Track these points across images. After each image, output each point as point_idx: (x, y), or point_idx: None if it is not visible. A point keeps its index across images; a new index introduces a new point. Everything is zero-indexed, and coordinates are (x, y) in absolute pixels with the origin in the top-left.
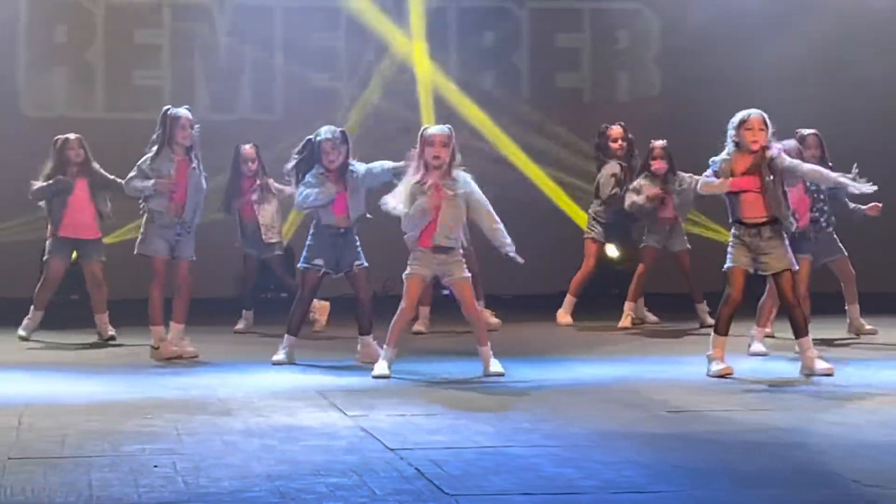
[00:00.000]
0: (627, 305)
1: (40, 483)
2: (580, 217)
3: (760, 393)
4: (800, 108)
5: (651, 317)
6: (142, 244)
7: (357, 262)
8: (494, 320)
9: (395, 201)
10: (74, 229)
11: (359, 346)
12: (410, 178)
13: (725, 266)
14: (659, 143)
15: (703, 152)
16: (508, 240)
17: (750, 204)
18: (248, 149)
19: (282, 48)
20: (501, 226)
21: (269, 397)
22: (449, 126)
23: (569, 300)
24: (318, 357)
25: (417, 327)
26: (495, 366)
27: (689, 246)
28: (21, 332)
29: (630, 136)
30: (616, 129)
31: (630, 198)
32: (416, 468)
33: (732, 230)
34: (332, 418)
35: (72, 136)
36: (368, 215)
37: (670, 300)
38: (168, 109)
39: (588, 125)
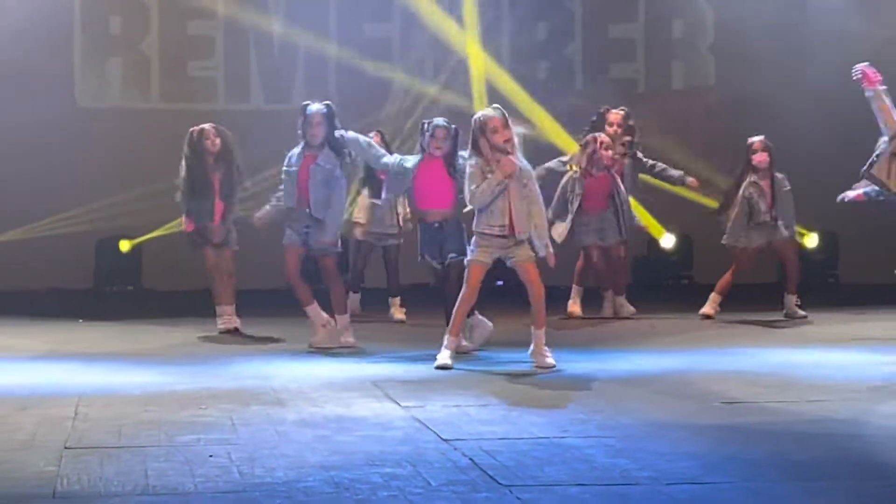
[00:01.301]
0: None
1: (96, 473)
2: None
3: (817, 384)
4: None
5: (629, 307)
6: None
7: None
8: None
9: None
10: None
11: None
12: (479, 166)
13: None
14: (757, 138)
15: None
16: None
17: None
18: (374, 137)
19: (335, 38)
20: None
21: (323, 388)
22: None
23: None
24: (374, 347)
25: (399, 316)
26: (550, 357)
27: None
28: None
29: (631, 122)
30: (616, 114)
31: None
32: (470, 459)
33: None
34: (386, 409)
35: (207, 125)
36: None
37: (745, 290)
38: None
39: (642, 116)
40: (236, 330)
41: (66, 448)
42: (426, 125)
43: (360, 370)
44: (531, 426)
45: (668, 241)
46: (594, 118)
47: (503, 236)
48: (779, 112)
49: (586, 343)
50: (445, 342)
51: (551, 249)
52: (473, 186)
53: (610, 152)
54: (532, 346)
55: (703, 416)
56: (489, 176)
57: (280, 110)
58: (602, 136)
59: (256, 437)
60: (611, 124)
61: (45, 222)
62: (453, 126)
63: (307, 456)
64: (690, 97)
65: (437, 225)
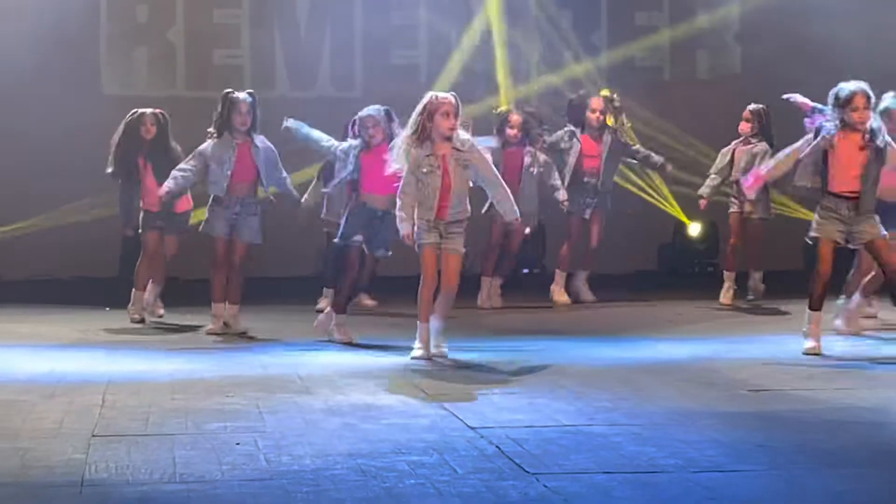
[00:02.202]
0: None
1: (124, 460)
2: (658, 196)
3: (844, 371)
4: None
5: (588, 294)
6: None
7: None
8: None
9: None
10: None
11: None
12: (412, 148)
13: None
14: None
15: (785, 129)
16: (515, 206)
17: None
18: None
19: (361, 25)
20: (508, 191)
21: (350, 376)
22: (454, 94)
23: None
24: (399, 337)
25: (366, 301)
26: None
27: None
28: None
29: (617, 104)
30: (597, 100)
31: None
32: (496, 447)
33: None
34: (412, 397)
35: (149, 111)
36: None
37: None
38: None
39: (668, 104)
40: (142, 321)
41: (93, 436)
42: (357, 120)
43: (386, 359)
44: (557, 414)
45: (693, 229)
46: (572, 98)
47: (430, 222)
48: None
49: (611, 331)
50: (418, 332)
51: (516, 213)
52: (396, 165)
53: (515, 131)
54: (429, 338)
55: (730, 403)
56: (419, 158)
57: (306, 98)
58: (513, 115)
59: (283, 424)
60: (593, 111)
61: (71, 210)
62: (382, 109)
63: (334, 444)
64: (716, 86)
65: (380, 213)
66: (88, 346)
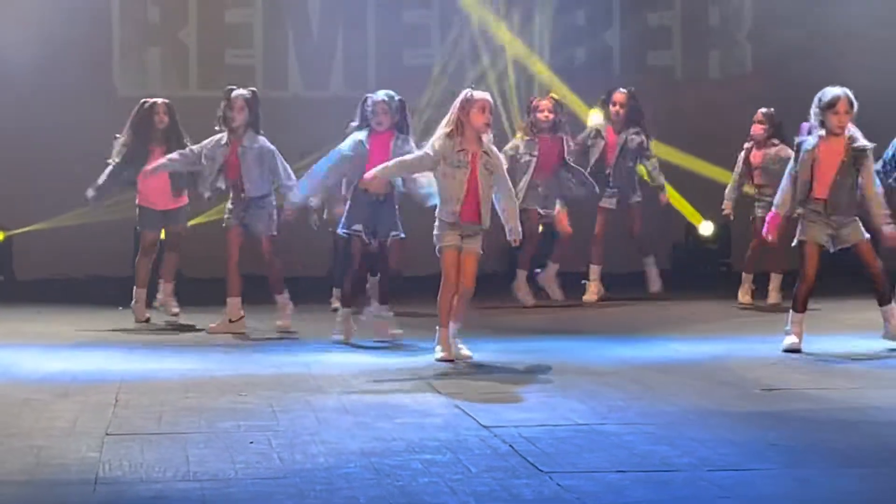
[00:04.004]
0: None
1: (137, 459)
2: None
3: (856, 371)
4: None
5: (557, 292)
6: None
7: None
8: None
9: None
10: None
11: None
12: (445, 141)
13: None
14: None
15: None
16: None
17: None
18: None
19: (374, 25)
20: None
21: (363, 375)
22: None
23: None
24: (410, 337)
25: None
26: (463, 349)
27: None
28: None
29: (636, 104)
30: (620, 94)
31: None
32: (509, 445)
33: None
34: (425, 396)
35: (160, 100)
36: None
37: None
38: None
39: (680, 103)
40: (147, 320)
41: (107, 434)
42: (368, 100)
43: (398, 358)
44: (570, 413)
45: (706, 228)
46: (603, 97)
47: (455, 223)
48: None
49: (624, 330)
50: (437, 334)
51: (519, 234)
52: (427, 149)
53: (546, 114)
54: (446, 338)
55: (743, 402)
56: (447, 150)
57: (318, 97)
58: (541, 100)
59: (296, 423)
60: (613, 104)
61: (85, 210)
62: (397, 98)
63: (347, 442)
64: (727, 85)
65: (380, 199)
66: (102, 345)
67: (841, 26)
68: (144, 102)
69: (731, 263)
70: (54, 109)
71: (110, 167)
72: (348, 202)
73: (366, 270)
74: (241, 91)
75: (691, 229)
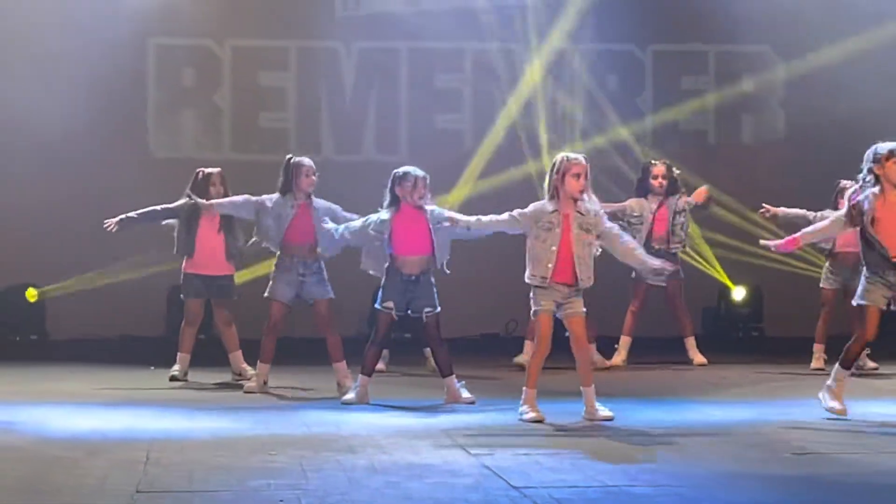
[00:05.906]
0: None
1: None
2: (702, 260)
3: (889, 435)
4: None
5: (598, 357)
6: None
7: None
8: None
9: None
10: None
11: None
12: (539, 205)
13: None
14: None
15: (829, 196)
16: (649, 258)
17: None
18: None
19: (406, 88)
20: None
21: (393, 435)
22: (584, 156)
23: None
24: (438, 397)
25: (379, 366)
26: (602, 410)
27: None
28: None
29: (675, 174)
30: (659, 167)
31: None
32: None
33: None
34: (455, 456)
35: (215, 171)
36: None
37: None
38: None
39: (713, 167)
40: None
41: (137, 492)
42: (402, 174)
43: (429, 419)
44: (601, 474)
45: (738, 293)
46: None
47: (543, 287)
48: (849, 171)
49: (655, 393)
50: (524, 395)
51: (656, 262)
52: (515, 213)
53: (660, 180)
54: (586, 407)
55: (775, 466)
56: (540, 213)
57: (351, 161)
58: (657, 166)
59: (327, 482)
60: (655, 177)
61: (117, 269)
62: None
63: (377, 502)
64: (760, 151)
65: (413, 278)
66: (133, 404)
67: (876, 96)
68: (199, 172)
69: (763, 328)
70: (89, 170)
71: (153, 207)
72: (383, 278)
73: (387, 343)
74: (307, 159)
75: (724, 294)
